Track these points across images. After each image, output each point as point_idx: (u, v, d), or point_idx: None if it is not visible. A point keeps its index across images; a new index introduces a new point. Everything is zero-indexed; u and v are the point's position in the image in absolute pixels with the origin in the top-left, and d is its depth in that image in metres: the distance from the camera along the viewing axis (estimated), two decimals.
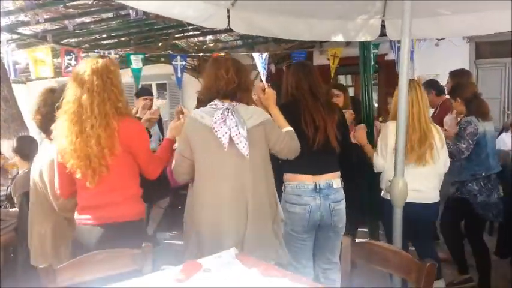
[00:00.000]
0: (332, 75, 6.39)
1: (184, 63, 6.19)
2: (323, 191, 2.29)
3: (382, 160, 2.61)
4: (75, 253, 1.91)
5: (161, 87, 10.20)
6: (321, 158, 2.31)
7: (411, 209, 2.36)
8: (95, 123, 1.84)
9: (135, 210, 2.00)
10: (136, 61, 5.91)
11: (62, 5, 4.91)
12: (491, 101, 7.05)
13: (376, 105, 8.01)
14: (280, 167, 2.31)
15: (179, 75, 6.11)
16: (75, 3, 4.90)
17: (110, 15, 5.50)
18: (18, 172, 3.75)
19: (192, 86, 8.71)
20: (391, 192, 2.24)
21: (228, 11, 3.21)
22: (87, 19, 5.57)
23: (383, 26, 3.71)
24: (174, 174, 2.08)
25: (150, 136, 3.34)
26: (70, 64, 5.94)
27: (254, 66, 6.76)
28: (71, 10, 5.07)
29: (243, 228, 1.94)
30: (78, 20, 5.44)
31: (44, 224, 2.21)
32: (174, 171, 2.07)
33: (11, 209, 3.67)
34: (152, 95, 4.87)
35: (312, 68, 2.54)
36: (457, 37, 6.31)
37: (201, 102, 2.09)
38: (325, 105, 2.38)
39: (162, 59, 7.83)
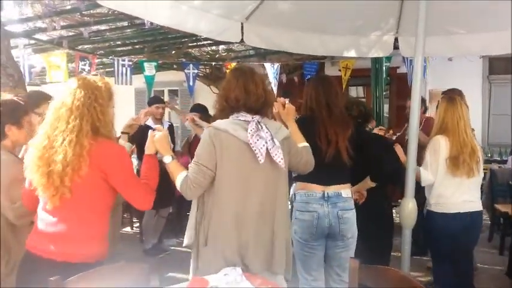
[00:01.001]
0: (344, 86, 6.39)
1: (196, 71, 6.24)
2: (331, 199, 2.33)
3: (431, 175, 2.71)
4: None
5: (173, 93, 10.30)
6: (331, 170, 2.34)
7: (468, 218, 2.66)
8: (65, 137, 1.67)
9: (95, 251, 1.78)
10: (149, 68, 5.98)
11: (78, 13, 5.00)
12: (504, 118, 7.02)
13: (387, 116, 8.00)
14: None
15: (191, 83, 6.16)
16: (91, 11, 4.98)
17: (125, 23, 5.58)
18: None
19: (204, 93, 8.76)
20: (400, 213, 2.23)
21: (242, 25, 3.25)
22: (102, 27, 5.66)
23: (396, 39, 3.72)
24: (190, 189, 1.90)
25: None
26: (84, 69, 6.03)
27: (265, 76, 6.79)
28: (86, 18, 5.16)
29: (270, 241, 1.92)
30: (94, 28, 5.52)
31: (7, 237, 2.02)
32: (191, 185, 1.88)
33: None
34: (164, 103, 4.87)
35: (331, 82, 2.56)
36: None
37: (222, 112, 1.99)
38: (340, 120, 2.42)
39: (175, 66, 7.91)
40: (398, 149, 2.89)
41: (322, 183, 2.34)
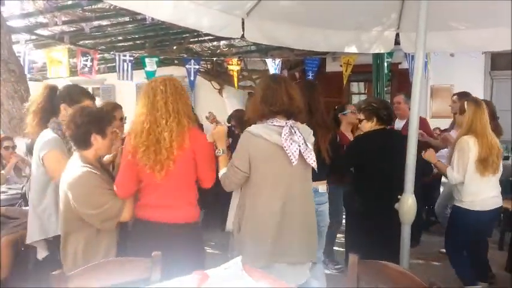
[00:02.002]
0: (345, 82, 6.38)
1: (197, 66, 6.24)
2: None
3: (457, 174, 2.93)
4: (135, 249, 2.00)
5: None
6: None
7: (495, 213, 2.97)
8: (168, 118, 1.97)
9: (193, 213, 2.12)
10: (150, 64, 5.98)
11: (79, 9, 5.00)
12: (506, 113, 7.00)
13: None
14: None
15: (192, 78, 6.16)
16: (92, 7, 4.98)
17: (126, 19, 5.58)
18: (31, 171, 3.82)
19: (205, 88, 8.77)
20: (400, 209, 2.24)
21: (243, 20, 3.25)
22: (103, 22, 5.66)
23: (397, 35, 3.72)
24: (225, 184, 2.17)
25: None
26: (86, 65, 6.05)
27: (267, 72, 6.78)
28: (88, 13, 5.16)
29: (302, 236, 2.11)
30: (95, 23, 5.53)
31: (77, 236, 2.08)
32: (225, 181, 2.15)
33: (24, 208, 3.74)
34: None
35: (314, 87, 2.75)
36: None
37: (262, 117, 2.12)
38: (321, 123, 2.61)
39: (176, 62, 7.90)
40: (430, 154, 3.06)
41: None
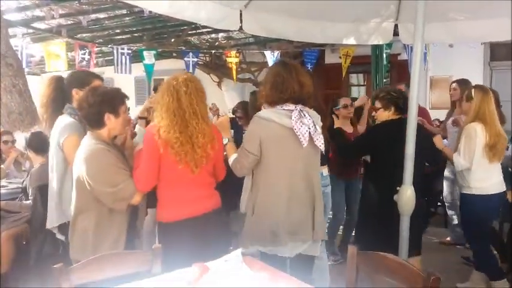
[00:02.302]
0: (344, 74, 6.37)
1: (196, 59, 6.23)
2: None
3: (464, 160, 2.95)
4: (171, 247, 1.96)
5: None
6: None
7: (503, 196, 3.03)
8: (198, 120, 2.05)
9: (218, 200, 2.26)
10: (148, 57, 5.96)
11: (76, 1, 4.97)
12: (505, 104, 7.00)
13: None
14: None
15: (191, 71, 6.14)
16: (89, 0, 4.96)
17: (124, 11, 5.55)
18: (30, 166, 3.82)
19: (203, 81, 8.71)
20: (399, 201, 2.25)
21: (241, 12, 3.24)
22: (101, 15, 5.63)
23: (396, 26, 3.70)
24: (237, 169, 2.22)
25: None
26: (84, 58, 6.02)
27: (265, 64, 6.77)
28: (85, 6, 5.13)
29: (311, 216, 2.19)
30: (93, 16, 5.50)
31: (88, 215, 2.06)
32: (236, 166, 2.21)
33: (25, 202, 3.75)
34: None
35: (306, 75, 2.69)
36: None
37: (272, 103, 2.17)
38: (317, 111, 2.54)
39: (174, 54, 7.88)
40: (438, 139, 3.04)
41: None
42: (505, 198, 3.14)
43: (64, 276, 1.54)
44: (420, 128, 2.70)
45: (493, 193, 2.97)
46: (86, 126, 2.15)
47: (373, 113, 3.09)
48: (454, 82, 4.02)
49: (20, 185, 4.08)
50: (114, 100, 2.10)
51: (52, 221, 2.38)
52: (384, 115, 2.87)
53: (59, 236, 2.42)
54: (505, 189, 3.06)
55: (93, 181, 1.98)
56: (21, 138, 4.44)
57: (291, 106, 2.12)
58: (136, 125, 2.44)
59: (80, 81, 2.40)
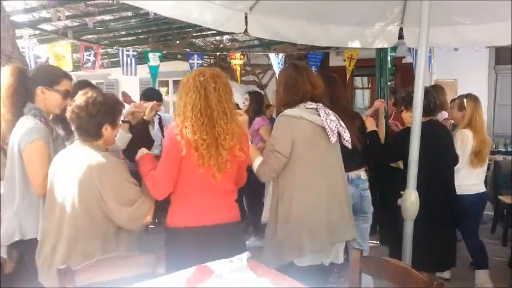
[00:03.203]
0: (348, 77, 6.36)
1: (201, 61, 6.23)
2: (354, 181, 2.71)
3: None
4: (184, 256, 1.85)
5: (177, 83, 10.30)
6: (348, 158, 2.47)
7: (484, 197, 3.28)
8: (227, 120, 1.87)
9: (237, 212, 2.05)
10: (153, 58, 5.98)
11: (82, 3, 5.00)
12: (510, 108, 6.96)
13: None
14: None
15: None
16: (95, 1, 4.98)
17: (129, 13, 5.58)
18: None
19: None
20: (402, 205, 2.24)
21: (246, 15, 3.24)
22: (106, 17, 5.66)
23: (401, 29, 3.69)
24: (265, 173, 2.11)
25: (153, 142, 3.20)
26: (89, 60, 6.05)
27: (270, 66, 6.78)
28: (91, 8, 5.16)
29: (346, 211, 2.19)
30: (98, 18, 5.53)
31: (93, 241, 1.86)
32: (265, 170, 2.10)
33: None
34: (162, 99, 4.45)
35: (332, 78, 2.76)
36: None
37: (287, 105, 2.18)
38: (344, 112, 2.56)
39: (179, 56, 7.90)
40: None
41: (345, 170, 2.52)
42: (484, 202, 3.43)
43: (68, 278, 1.55)
44: (442, 126, 2.84)
45: (467, 194, 3.13)
46: (77, 134, 1.93)
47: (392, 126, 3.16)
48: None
49: None
50: (114, 111, 1.97)
51: (9, 237, 2.02)
52: (406, 116, 2.86)
53: (3, 254, 2.07)
54: (483, 191, 3.29)
55: (110, 198, 1.83)
56: None
57: (313, 104, 2.13)
58: (120, 129, 2.21)
59: (49, 78, 2.11)
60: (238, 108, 4.47)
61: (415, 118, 2.33)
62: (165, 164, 1.90)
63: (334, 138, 2.08)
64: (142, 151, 2.10)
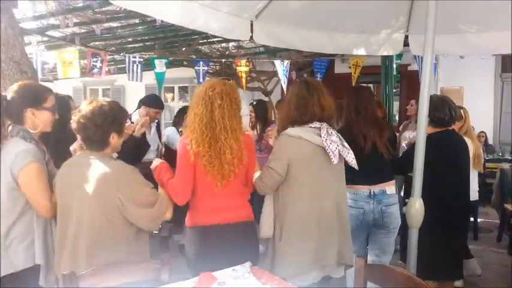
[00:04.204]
0: (353, 84, 6.36)
1: (206, 68, 6.27)
2: (377, 196, 2.61)
3: None
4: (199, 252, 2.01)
5: (183, 90, 10.37)
6: (374, 170, 2.57)
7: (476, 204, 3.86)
8: (227, 136, 1.99)
9: (248, 213, 2.15)
10: (160, 65, 6.01)
11: (90, 11, 5.06)
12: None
13: (397, 115, 7.94)
14: None
15: (201, 80, 6.19)
16: (103, 9, 5.04)
17: (136, 21, 5.63)
18: None
19: None
20: (407, 213, 2.23)
21: (252, 23, 3.27)
22: (114, 24, 5.72)
23: (406, 37, 3.70)
24: (260, 187, 2.17)
25: (148, 147, 3.18)
26: (95, 66, 6.10)
27: (275, 73, 6.80)
28: (99, 15, 5.22)
29: (343, 235, 2.20)
30: (106, 25, 5.59)
31: (116, 246, 1.85)
32: (260, 185, 2.15)
33: None
34: (163, 107, 4.41)
35: (359, 90, 2.86)
36: None
37: (295, 124, 2.20)
38: (374, 122, 2.67)
39: (185, 63, 7.95)
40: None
41: (368, 183, 2.59)
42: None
43: (73, 284, 1.56)
44: (458, 136, 2.86)
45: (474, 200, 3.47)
46: (86, 145, 1.92)
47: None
48: (413, 100, 4.24)
49: None
50: (120, 119, 1.99)
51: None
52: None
53: None
54: (476, 199, 3.70)
55: (132, 204, 1.84)
56: None
57: (317, 124, 2.15)
58: None
59: (36, 98, 2.02)
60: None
61: (419, 126, 2.31)
62: (181, 172, 2.04)
63: (335, 160, 2.09)
64: (157, 161, 2.19)
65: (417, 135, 2.34)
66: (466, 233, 2.98)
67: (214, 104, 1.99)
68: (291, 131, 2.16)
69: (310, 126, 2.15)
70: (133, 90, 9.36)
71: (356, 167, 2.16)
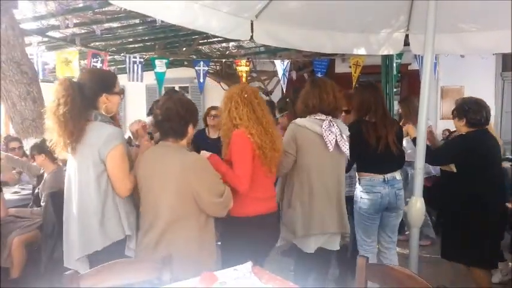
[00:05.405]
0: (354, 83, 6.37)
1: (207, 68, 6.27)
2: (390, 181, 2.89)
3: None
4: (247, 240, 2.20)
5: (183, 90, 10.37)
6: (385, 162, 2.86)
7: None
8: (273, 128, 2.31)
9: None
10: (160, 65, 6.02)
11: (90, 11, 5.07)
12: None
13: (397, 115, 7.93)
14: None
15: (201, 80, 6.19)
16: (103, 9, 5.04)
17: (137, 21, 5.64)
18: (41, 172, 3.86)
19: (214, 90, 8.80)
20: (408, 212, 2.24)
21: (252, 23, 3.27)
22: (114, 24, 5.73)
23: (407, 36, 3.70)
24: (280, 169, 2.47)
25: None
26: (96, 66, 6.11)
27: (275, 73, 6.80)
28: (99, 16, 5.22)
29: (339, 209, 2.57)
30: (106, 25, 5.59)
31: (191, 229, 2.01)
32: (281, 167, 2.47)
33: (35, 208, 3.80)
34: None
35: (371, 88, 3.02)
36: None
37: (301, 114, 2.59)
38: (387, 119, 2.94)
39: (185, 63, 7.96)
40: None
41: (382, 172, 2.87)
42: None
43: (75, 283, 1.56)
44: (491, 135, 3.04)
45: None
46: (168, 137, 2.05)
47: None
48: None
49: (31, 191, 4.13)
50: (196, 111, 2.15)
51: (95, 244, 2.01)
52: (458, 125, 3.09)
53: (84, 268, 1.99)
54: None
55: (207, 193, 1.99)
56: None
57: (323, 116, 2.51)
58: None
59: (108, 84, 2.12)
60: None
61: (420, 125, 2.32)
62: (244, 161, 2.22)
63: (331, 147, 2.45)
64: (206, 153, 2.30)
65: (418, 135, 2.35)
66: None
67: (253, 103, 2.27)
68: (298, 121, 2.54)
69: (316, 118, 2.51)
70: (133, 91, 9.36)
71: (348, 156, 2.57)
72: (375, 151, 2.81)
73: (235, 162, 2.22)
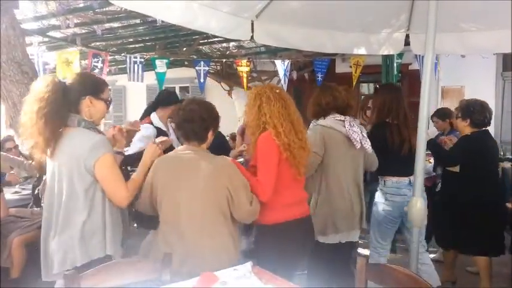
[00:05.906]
0: (354, 83, 6.37)
1: (207, 68, 6.27)
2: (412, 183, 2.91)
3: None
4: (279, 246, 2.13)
5: (184, 90, 10.38)
6: (409, 164, 2.75)
7: None
8: (303, 127, 2.25)
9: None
10: (161, 65, 6.01)
11: (91, 11, 5.07)
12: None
13: None
14: None
15: (202, 79, 6.19)
16: (104, 9, 5.05)
17: (137, 21, 5.64)
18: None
19: (214, 89, 8.81)
20: (408, 212, 2.24)
21: (252, 22, 3.27)
22: (115, 24, 5.73)
23: (407, 36, 3.69)
24: (308, 169, 2.41)
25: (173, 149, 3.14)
26: (97, 66, 6.11)
27: (276, 73, 6.80)
28: (99, 16, 5.23)
29: (363, 207, 2.74)
30: (107, 25, 5.60)
31: (227, 239, 2.01)
32: (309, 167, 2.45)
33: (35, 208, 3.80)
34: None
35: (393, 90, 3.08)
36: None
37: (316, 115, 2.70)
38: (408, 121, 2.95)
39: (186, 63, 7.96)
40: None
41: (406, 175, 2.87)
42: None
43: (75, 283, 1.56)
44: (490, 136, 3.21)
45: None
46: (190, 140, 2.03)
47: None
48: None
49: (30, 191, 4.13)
50: (218, 117, 2.12)
51: (74, 260, 1.88)
52: (461, 125, 3.23)
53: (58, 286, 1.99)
54: None
55: (240, 196, 1.98)
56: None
57: (341, 117, 2.63)
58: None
59: (95, 87, 2.00)
60: None
61: (420, 126, 2.31)
62: (268, 169, 2.11)
63: (358, 145, 2.57)
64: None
65: (418, 135, 2.34)
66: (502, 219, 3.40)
67: (285, 98, 2.22)
68: (323, 122, 2.63)
69: (335, 118, 2.61)
70: (134, 91, 9.38)
71: (371, 152, 2.68)
72: (399, 153, 2.82)
73: (259, 169, 2.13)
